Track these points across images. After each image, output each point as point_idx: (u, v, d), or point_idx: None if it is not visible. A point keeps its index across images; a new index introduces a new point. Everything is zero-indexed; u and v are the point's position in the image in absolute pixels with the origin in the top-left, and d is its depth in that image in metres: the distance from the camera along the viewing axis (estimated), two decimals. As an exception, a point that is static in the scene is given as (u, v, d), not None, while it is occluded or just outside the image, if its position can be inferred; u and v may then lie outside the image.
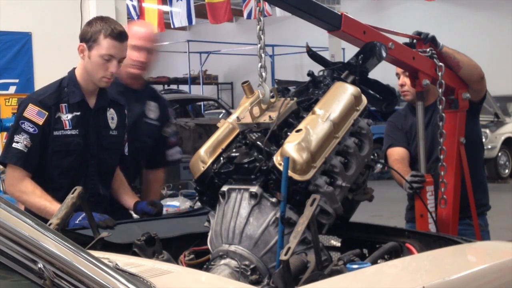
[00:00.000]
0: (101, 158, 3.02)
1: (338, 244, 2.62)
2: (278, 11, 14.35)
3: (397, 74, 3.50)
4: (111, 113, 3.08)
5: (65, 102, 2.94)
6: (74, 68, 3.02)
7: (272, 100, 2.41)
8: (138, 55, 3.33)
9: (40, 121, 2.86)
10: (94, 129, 3.01)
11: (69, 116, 2.92)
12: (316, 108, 2.33)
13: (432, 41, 3.07)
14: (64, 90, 2.95)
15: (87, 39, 2.91)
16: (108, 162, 3.06)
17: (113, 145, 3.08)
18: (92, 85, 2.98)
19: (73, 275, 1.27)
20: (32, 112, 2.87)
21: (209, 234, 2.34)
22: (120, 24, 2.96)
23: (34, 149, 2.85)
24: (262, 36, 2.42)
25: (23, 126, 2.84)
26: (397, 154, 3.49)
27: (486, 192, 3.54)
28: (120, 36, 2.90)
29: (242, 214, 2.21)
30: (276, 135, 2.30)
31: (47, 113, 2.87)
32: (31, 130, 2.84)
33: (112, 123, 3.07)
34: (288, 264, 1.85)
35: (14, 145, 2.83)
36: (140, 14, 14.72)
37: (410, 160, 3.44)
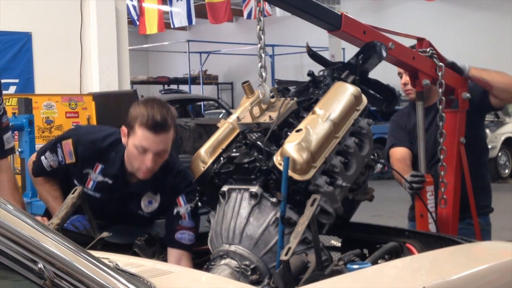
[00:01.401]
0: (122, 218, 2.72)
1: (339, 244, 2.62)
2: (278, 11, 14.35)
3: (399, 73, 3.48)
4: (151, 198, 2.65)
5: (103, 164, 2.63)
6: None
7: (272, 100, 2.42)
8: None
9: (68, 160, 2.67)
10: (121, 200, 2.66)
11: (99, 178, 2.62)
12: (316, 108, 2.33)
13: (452, 66, 3.06)
14: (111, 154, 2.62)
15: (127, 123, 2.51)
16: (128, 222, 2.73)
17: (137, 221, 2.72)
18: None
19: (73, 275, 1.27)
20: (67, 147, 2.67)
21: (209, 234, 2.34)
22: (166, 110, 2.46)
23: (57, 172, 2.72)
24: (262, 36, 2.43)
25: (57, 149, 2.69)
26: (399, 153, 3.47)
27: (489, 194, 3.51)
28: (155, 127, 2.41)
29: (242, 214, 2.21)
30: (276, 135, 2.30)
31: (74, 161, 2.65)
32: (59, 158, 2.69)
33: (147, 207, 2.64)
34: (288, 264, 1.85)
35: (42, 158, 2.73)
36: (140, 14, 14.74)
37: (413, 159, 3.43)
